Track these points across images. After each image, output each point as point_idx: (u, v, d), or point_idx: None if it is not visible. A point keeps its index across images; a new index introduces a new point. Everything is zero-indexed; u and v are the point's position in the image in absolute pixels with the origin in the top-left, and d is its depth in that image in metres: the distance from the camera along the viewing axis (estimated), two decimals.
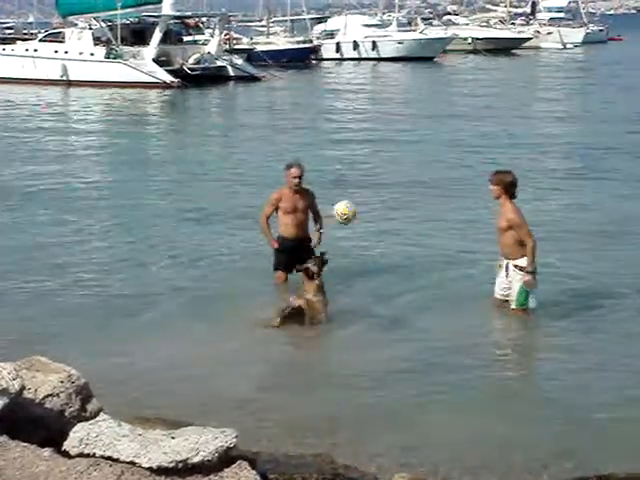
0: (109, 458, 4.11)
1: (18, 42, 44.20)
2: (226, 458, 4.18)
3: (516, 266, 8.18)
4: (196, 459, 4.09)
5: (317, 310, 8.32)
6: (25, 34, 53.54)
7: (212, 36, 44.64)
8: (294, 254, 9.26)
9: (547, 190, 15.01)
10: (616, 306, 8.95)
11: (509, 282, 8.30)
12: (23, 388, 4.50)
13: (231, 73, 41.42)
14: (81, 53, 39.04)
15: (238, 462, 4.20)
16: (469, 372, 7.32)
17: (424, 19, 74.52)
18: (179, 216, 13.20)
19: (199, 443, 4.15)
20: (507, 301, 8.39)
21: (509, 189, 8.15)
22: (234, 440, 4.23)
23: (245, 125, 26.76)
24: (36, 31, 51.97)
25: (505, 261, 8.30)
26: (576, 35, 76.45)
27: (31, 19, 67.35)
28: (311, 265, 8.42)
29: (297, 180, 9.19)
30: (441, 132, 23.36)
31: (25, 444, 4.21)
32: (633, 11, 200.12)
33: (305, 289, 8.42)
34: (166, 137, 25.43)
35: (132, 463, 4.08)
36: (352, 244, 11.11)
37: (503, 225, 8.17)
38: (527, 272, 8.11)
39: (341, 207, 9.03)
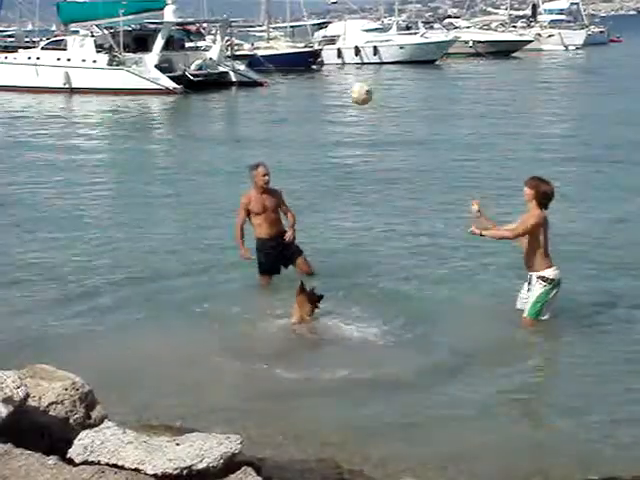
0: (114, 465, 4.10)
1: (20, 50, 44.27)
2: (231, 464, 4.17)
3: (539, 277, 8.03)
4: (201, 465, 4.09)
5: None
6: (27, 42, 53.64)
7: (214, 42, 44.73)
8: (275, 253, 9.52)
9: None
10: (625, 313, 8.86)
11: (529, 294, 8.15)
12: (27, 396, 4.51)
13: (233, 79, 41.46)
14: (84, 60, 39.09)
15: (243, 468, 4.19)
16: (474, 378, 7.30)
17: (425, 23, 74.64)
18: (180, 223, 13.20)
19: (204, 449, 4.15)
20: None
21: (540, 198, 7.92)
22: (239, 446, 4.23)
23: (248, 131, 26.76)
24: (38, 39, 52.07)
25: (529, 274, 8.14)
26: (577, 37, 76.50)
27: (30, 27, 67.47)
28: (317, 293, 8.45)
29: (267, 178, 9.43)
30: (445, 134, 23.36)
31: (30, 452, 4.21)
32: (633, 12, 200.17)
33: (300, 310, 8.39)
34: (170, 144, 25.42)
35: (137, 470, 4.07)
36: (359, 244, 11.11)
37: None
38: (486, 232, 8.07)
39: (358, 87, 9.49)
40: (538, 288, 8.06)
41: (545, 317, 8.21)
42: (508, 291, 8.88)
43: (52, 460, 4.17)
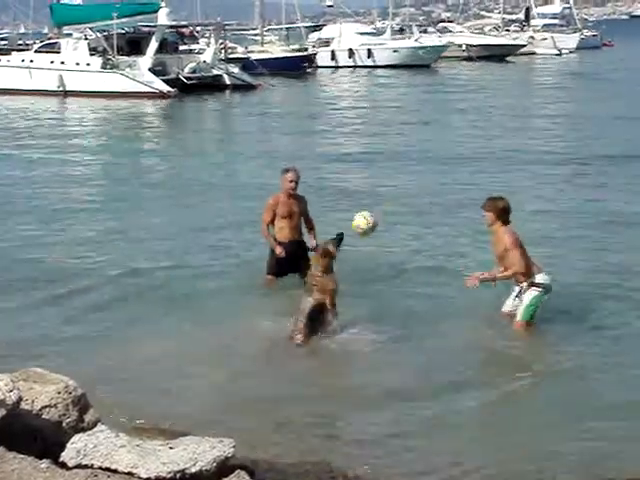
0: (107, 469, 4.10)
1: (13, 53, 44.19)
2: (224, 467, 4.17)
3: (531, 283, 8.07)
4: (194, 469, 4.08)
5: (325, 286, 8.11)
6: (20, 45, 53.52)
7: (208, 45, 44.73)
8: (290, 258, 9.47)
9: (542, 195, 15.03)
10: (619, 311, 8.93)
11: (520, 299, 8.19)
12: (20, 400, 4.49)
13: (227, 82, 41.47)
14: (77, 64, 39.04)
15: (236, 471, 4.20)
16: (471, 384, 7.30)
17: (419, 26, 74.77)
18: (175, 226, 13.18)
19: (197, 453, 4.15)
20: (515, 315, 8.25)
21: (501, 215, 8.05)
22: (232, 449, 4.22)
23: (242, 135, 26.76)
24: (31, 42, 51.96)
25: (517, 287, 8.18)
26: (570, 41, 76.77)
27: (22, 29, 67.37)
28: (330, 247, 8.26)
29: (293, 184, 9.40)
30: (435, 141, 23.40)
31: (23, 456, 4.20)
32: (625, 16, 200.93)
33: (313, 266, 8.27)
34: (163, 147, 25.41)
35: (130, 474, 4.07)
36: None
37: (502, 252, 8.03)
38: (490, 277, 8.05)
39: (361, 220, 8.49)
40: (531, 293, 8.10)
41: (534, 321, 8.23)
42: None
43: (45, 464, 4.16)
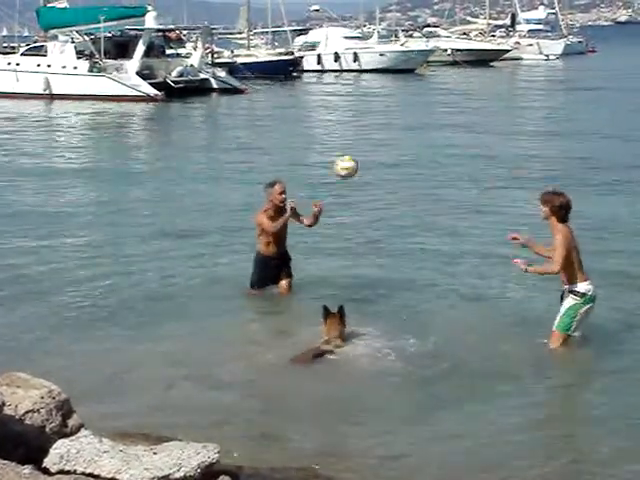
0: (90, 475, 4.08)
1: None
2: (208, 473, 4.16)
3: (571, 290, 7.70)
4: (178, 475, 4.07)
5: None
6: (5, 47, 53.30)
7: (194, 49, 44.70)
8: (275, 270, 9.45)
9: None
10: None
11: (560, 305, 7.83)
12: (3, 404, 4.46)
13: (214, 85, 41.47)
14: (64, 67, 38.93)
15: (221, 477, 4.19)
16: (455, 385, 7.30)
17: (404, 31, 75.03)
18: (158, 230, 13.10)
19: (181, 458, 4.13)
20: None
21: (557, 211, 7.57)
22: (216, 455, 4.21)
23: (229, 139, 26.70)
24: (17, 44, 51.75)
25: (563, 287, 7.81)
26: (555, 47, 77.28)
27: (5, 32, 67.16)
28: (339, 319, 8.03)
29: (283, 196, 9.16)
30: (419, 145, 23.47)
31: (5, 462, 4.17)
32: (610, 23, 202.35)
33: (331, 334, 7.98)
34: (150, 151, 25.37)
35: (113, 479, 4.05)
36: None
37: (552, 248, 7.65)
38: (531, 268, 7.71)
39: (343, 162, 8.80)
40: (569, 301, 7.73)
41: (576, 334, 7.82)
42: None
43: (27, 469, 4.13)
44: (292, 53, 55.56)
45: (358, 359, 7.81)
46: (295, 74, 53.45)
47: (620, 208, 14.16)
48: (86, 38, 40.43)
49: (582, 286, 7.66)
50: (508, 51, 69.09)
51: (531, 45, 75.32)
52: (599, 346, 8.02)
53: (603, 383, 7.41)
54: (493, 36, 78.54)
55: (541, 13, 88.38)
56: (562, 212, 7.60)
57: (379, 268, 10.86)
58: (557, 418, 6.99)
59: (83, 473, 4.09)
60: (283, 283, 9.54)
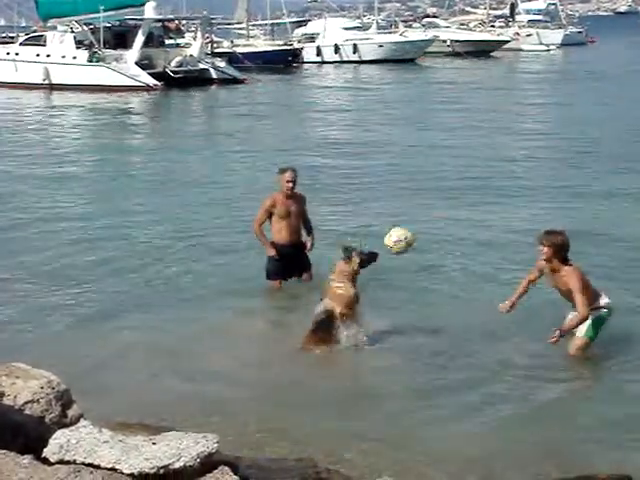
0: (90, 465, 4.07)
1: None
2: (208, 463, 4.15)
3: (595, 309, 7.60)
4: (178, 465, 4.06)
5: (337, 294, 7.72)
6: (3, 37, 53.15)
7: (194, 39, 44.59)
8: (290, 260, 9.33)
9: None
10: None
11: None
12: (2, 395, 4.47)
13: (214, 76, 41.36)
14: (63, 57, 38.84)
15: (220, 467, 4.18)
16: (455, 385, 7.32)
17: (404, 21, 74.82)
18: (161, 224, 13.11)
19: (180, 448, 4.12)
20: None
21: (559, 251, 7.48)
22: (216, 445, 4.21)
23: (229, 129, 26.65)
24: (15, 34, 51.60)
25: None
26: (555, 37, 76.98)
27: (2, 22, 67.02)
28: (355, 256, 7.79)
29: (291, 184, 9.16)
30: (416, 138, 23.44)
31: (4, 451, 4.16)
32: (610, 13, 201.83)
33: (335, 276, 7.79)
34: (150, 141, 25.33)
35: (113, 469, 4.05)
36: None
37: (566, 291, 7.58)
38: (565, 330, 7.46)
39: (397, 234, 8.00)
40: (595, 313, 7.62)
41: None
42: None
43: (27, 459, 4.13)
44: (291, 44, 55.43)
45: (359, 350, 7.80)
46: (295, 65, 53.30)
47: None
48: (85, 28, 40.34)
49: (602, 301, 7.71)
50: (507, 42, 68.78)
51: (530, 35, 75.05)
52: (601, 347, 7.96)
53: (606, 384, 7.44)
54: (492, 26, 78.25)
55: (541, 3, 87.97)
56: (564, 251, 7.52)
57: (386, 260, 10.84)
58: (557, 417, 6.93)
59: (83, 463, 4.08)
60: (306, 276, 9.48)
